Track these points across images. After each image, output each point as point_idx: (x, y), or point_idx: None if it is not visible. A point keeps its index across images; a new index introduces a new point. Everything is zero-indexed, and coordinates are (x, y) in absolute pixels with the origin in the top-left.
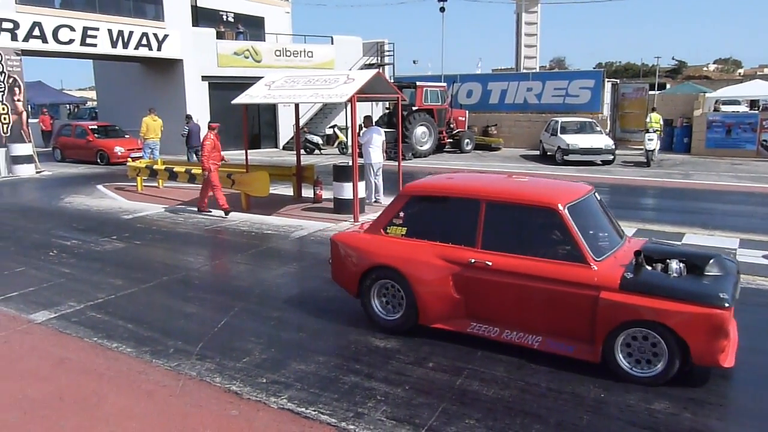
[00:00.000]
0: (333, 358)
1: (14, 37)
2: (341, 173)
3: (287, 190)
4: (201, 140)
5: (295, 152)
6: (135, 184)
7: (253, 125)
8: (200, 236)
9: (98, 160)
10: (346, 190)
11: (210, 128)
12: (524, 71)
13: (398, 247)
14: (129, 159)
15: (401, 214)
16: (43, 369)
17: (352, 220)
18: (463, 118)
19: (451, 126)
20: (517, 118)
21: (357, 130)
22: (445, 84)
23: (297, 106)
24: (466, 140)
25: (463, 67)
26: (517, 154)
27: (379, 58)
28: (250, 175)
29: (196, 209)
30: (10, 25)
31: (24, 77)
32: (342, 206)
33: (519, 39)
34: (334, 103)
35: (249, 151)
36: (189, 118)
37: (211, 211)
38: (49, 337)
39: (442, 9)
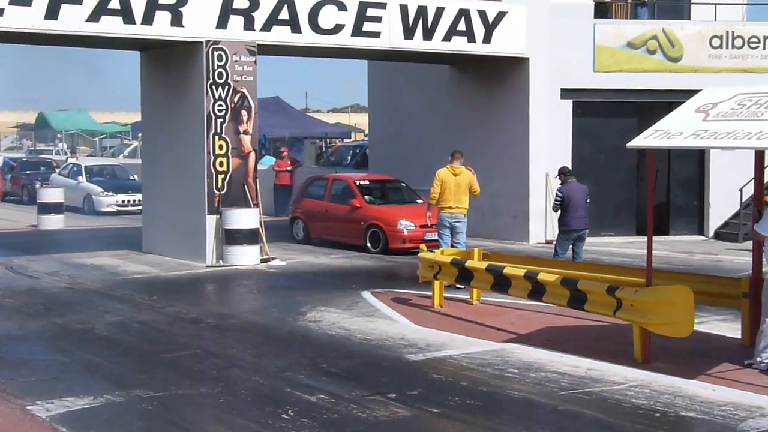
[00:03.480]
0: None
1: (249, 25)
2: None
3: (725, 327)
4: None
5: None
6: (430, 292)
7: (659, 188)
8: (552, 409)
9: (368, 244)
10: None
11: None
12: None
13: None
14: (422, 245)
15: None
16: None
17: None
18: None
19: None
20: None
21: None
22: None
23: (761, 154)
24: None
25: None
26: None
27: None
28: (656, 292)
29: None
30: (244, 4)
31: (257, 92)
32: None
33: None
34: None
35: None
36: (565, 173)
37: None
38: None
39: None
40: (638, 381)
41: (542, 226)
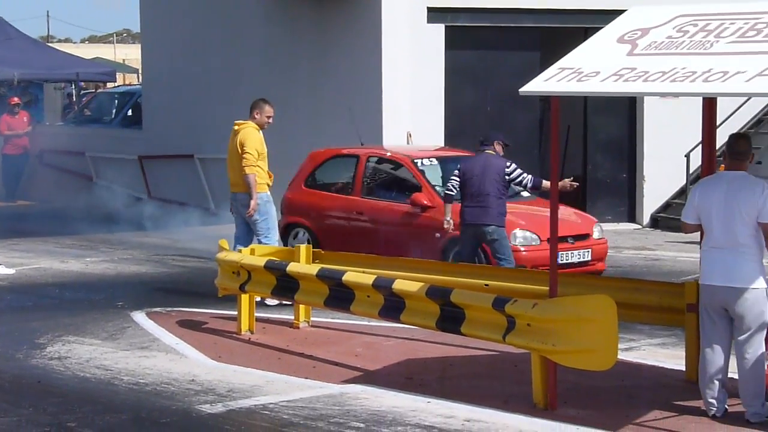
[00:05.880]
0: None
1: None
2: None
3: (663, 354)
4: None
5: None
6: (234, 312)
7: (570, 154)
8: None
9: None
10: None
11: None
12: None
13: None
14: (222, 246)
15: None
16: None
17: None
18: None
19: None
20: None
21: None
22: None
23: (712, 103)
24: None
25: None
26: None
27: None
28: (563, 305)
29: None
30: None
31: None
32: None
33: None
34: None
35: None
36: (481, 140)
37: None
38: None
39: None
40: None
41: None
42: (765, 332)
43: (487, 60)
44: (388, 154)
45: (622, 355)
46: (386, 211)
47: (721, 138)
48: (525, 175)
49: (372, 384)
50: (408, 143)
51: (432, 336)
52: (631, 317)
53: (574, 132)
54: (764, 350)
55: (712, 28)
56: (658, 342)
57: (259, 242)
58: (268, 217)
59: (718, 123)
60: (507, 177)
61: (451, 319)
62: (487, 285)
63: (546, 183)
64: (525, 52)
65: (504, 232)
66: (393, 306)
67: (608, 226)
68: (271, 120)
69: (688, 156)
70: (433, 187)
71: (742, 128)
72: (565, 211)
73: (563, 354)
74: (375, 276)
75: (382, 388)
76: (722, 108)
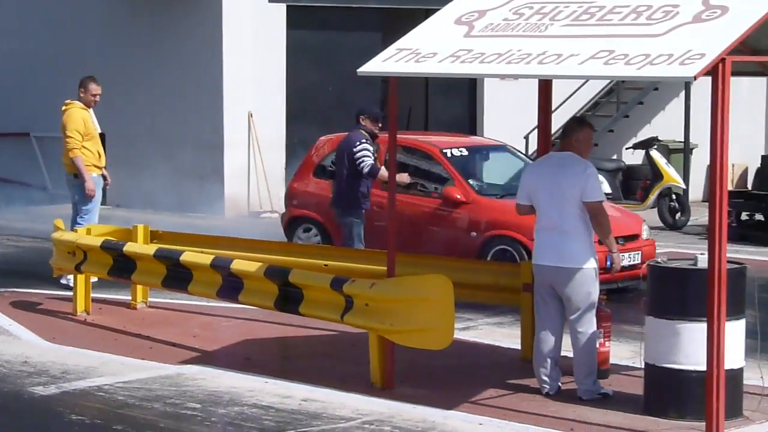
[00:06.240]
0: None
1: None
2: (670, 286)
3: (500, 333)
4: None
5: None
6: (70, 292)
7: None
8: None
9: None
10: (691, 342)
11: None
12: None
13: None
14: (57, 225)
15: None
16: None
17: None
18: None
19: None
20: None
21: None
22: None
23: (547, 85)
24: None
25: None
26: None
27: None
28: (400, 285)
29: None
30: None
31: None
32: (672, 394)
33: None
34: (660, 79)
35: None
36: (363, 117)
37: None
38: None
39: None
40: (375, 415)
41: (245, 189)
42: (594, 310)
43: (329, 40)
44: (416, 141)
45: (459, 335)
46: (412, 205)
47: (561, 120)
48: (364, 159)
49: (210, 365)
50: (249, 125)
51: (271, 316)
52: (469, 297)
53: (416, 113)
54: (596, 329)
55: (547, 11)
56: (495, 321)
57: (77, 224)
58: (91, 199)
59: (556, 106)
60: (354, 157)
61: (289, 299)
62: (326, 265)
63: (384, 172)
64: (367, 32)
65: (351, 220)
66: (231, 286)
67: None
68: (97, 98)
69: (527, 138)
70: (466, 180)
71: (579, 111)
72: (609, 209)
73: (400, 333)
74: (213, 256)
75: (220, 369)
76: (563, 91)
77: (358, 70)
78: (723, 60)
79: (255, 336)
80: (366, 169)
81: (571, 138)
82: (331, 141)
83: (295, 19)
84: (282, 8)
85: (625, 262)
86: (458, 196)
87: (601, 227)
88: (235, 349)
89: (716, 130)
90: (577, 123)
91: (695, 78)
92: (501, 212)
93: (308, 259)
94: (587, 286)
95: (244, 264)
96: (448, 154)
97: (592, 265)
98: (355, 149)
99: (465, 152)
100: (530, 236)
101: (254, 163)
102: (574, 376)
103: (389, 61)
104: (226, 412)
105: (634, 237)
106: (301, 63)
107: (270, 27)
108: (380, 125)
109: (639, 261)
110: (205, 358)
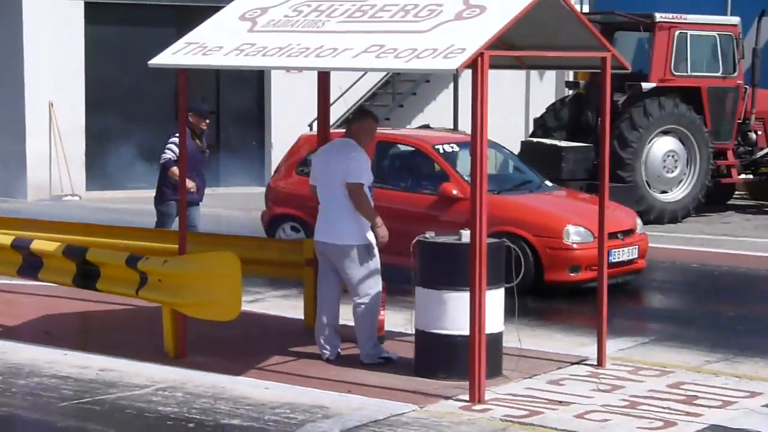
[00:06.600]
0: None
1: None
2: (437, 259)
3: (286, 305)
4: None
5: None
6: None
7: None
8: (49, 427)
9: None
10: (456, 309)
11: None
12: None
13: None
14: None
15: None
16: None
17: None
18: None
19: (752, 137)
20: None
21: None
22: (736, 21)
23: (325, 77)
24: None
25: None
26: None
27: None
28: (190, 262)
29: None
30: None
31: None
32: (440, 357)
33: None
34: (426, 71)
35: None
36: (190, 114)
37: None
38: None
39: None
40: (168, 382)
41: (46, 175)
42: (371, 280)
43: (126, 35)
44: (403, 136)
45: (248, 307)
46: (403, 201)
47: (342, 110)
48: (164, 154)
49: (11, 339)
50: (50, 115)
51: (72, 293)
52: (257, 272)
53: (208, 103)
54: (374, 296)
55: (324, 9)
56: (281, 294)
57: None
58: None
59: (336, 97)
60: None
61: (87, 276)
62: (123, 245)
63: (174, 170)
64: (161, 28)
65: (160, 210)
66: (31, 265)
67: (241, 190)
68: None
69: (311, 126)
70: (462, 176)
71: (359, 101)
72: (582, 202)
73: (191, 306)
74: (13, 237)
75: (21, 343)
76: (346, 82)
77: (149, 63)
78: (482, 54)
79: (55, 311)
80: (161, 161)
81: (352, 126)
82: (315, 137)
83: (94, 14)
84: (80, 5)
85: (624, 257)
86: (456, 193)
87: (360, 207)
88: (35, 324)
89: (476, 116)
90: (359, 113)
91: (457, 70)
92: (514, 209)
93: (109, 238)
94: (358, 260)
95: (43, 244)
96: (441, 150)
97: (359, 241)
98: (166, 143)
99: (457, 147)
100: (542, 235)
101: (55, 150)
102: (357, 342)
103: (178, 54)
104: (26, 383)
105: (630, 232)
106: (99, 56)
107: (69, 22)
108: (207, 121)
109: (636, 256)
110: (6, 333)
